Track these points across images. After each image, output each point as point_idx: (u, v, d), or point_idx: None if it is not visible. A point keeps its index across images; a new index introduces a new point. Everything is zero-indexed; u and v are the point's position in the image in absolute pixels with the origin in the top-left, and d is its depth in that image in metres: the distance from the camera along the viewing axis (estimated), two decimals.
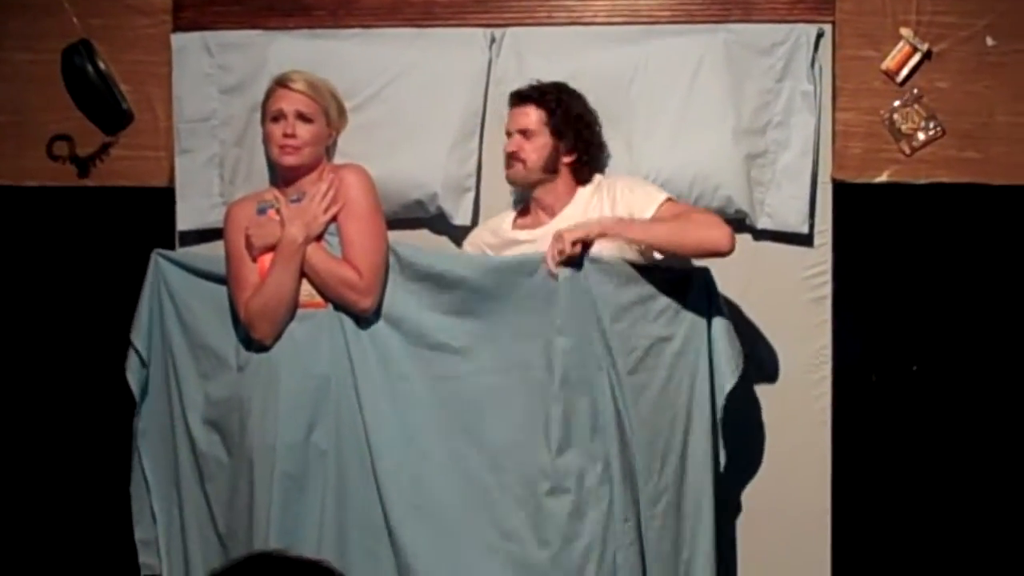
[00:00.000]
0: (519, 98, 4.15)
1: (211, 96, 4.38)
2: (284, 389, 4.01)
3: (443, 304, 4.04)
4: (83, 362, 4.56)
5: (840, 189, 4.27)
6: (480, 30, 4.33)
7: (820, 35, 4.25)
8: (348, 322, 4.05)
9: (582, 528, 3.89)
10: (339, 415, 4.03)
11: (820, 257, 4.27)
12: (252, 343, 4.06)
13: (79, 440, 4.61)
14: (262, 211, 4.11)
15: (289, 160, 4.09)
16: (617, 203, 4.04)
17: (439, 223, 4.34)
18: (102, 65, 4.40)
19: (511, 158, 4.12)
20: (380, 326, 4.06)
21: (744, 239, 4.20)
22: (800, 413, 4.28)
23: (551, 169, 4.12)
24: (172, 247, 4.38)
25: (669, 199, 4.02)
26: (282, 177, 4.17)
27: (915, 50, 4.21)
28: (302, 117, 4.09)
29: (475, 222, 4.33)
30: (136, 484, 4.30)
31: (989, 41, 4.21)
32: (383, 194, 4.14)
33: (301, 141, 4.08)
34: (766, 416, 4.27)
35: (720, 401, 3.99)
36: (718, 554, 4.03)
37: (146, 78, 4.42)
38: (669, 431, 3.96)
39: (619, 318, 3.92)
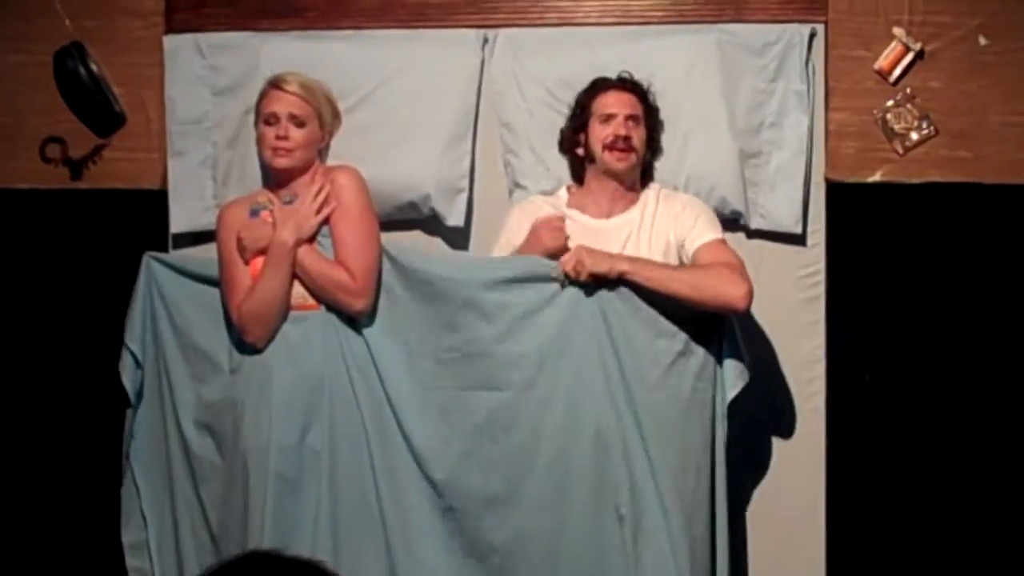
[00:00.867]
0: (620, 85, 4.11)
1: (204, 98, 4.38)
2: (277, 391, 4.01)
3: (438, 312, 4.04)
4: (76, 364, 4.56)
5: (833, 189, 4.27)
6: (472, 31, 4.33)
7: (813, 35, 4.25)
8: (341, 324, 4.06)
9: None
10: (333, 417, 4.03)
11: (813, 257, 4.28)
12: (245, 345, 4.06)
13: (71, 443, 4.60)
14: (255, 213, 4.11)
15: (281, 163, 4.09)
16: (674, 221, 4.03)
17: (432, 224, 4.34)
18: (94, 67, 4.40)
19: (624, 142, 4.05)
20: (375, 328, 4.07)
21: (738, 239, 4.20)
22: (794, 412, 4.29)
23: (640, 163, 4.12)
24: (165, 249, 4.38)
25: (719, 240, 4.00)
26: (274, 179, 4.16)
27: (908, 50, 4.21)
28: (295, 120, 4.09)
29: (468, 223, 4.33)
30: (127, 487, 4.30)
31: (982, 41, 4.21)
32: (376, 195, 4.13)
33: (294, 144, 4.08)
34: (760, 415, 4.26)
35: (721, 410, 4.00)
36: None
37: (138, 80, 4.42)
38: (701, 447, 3.96)
39: (635, 333, 3.92)
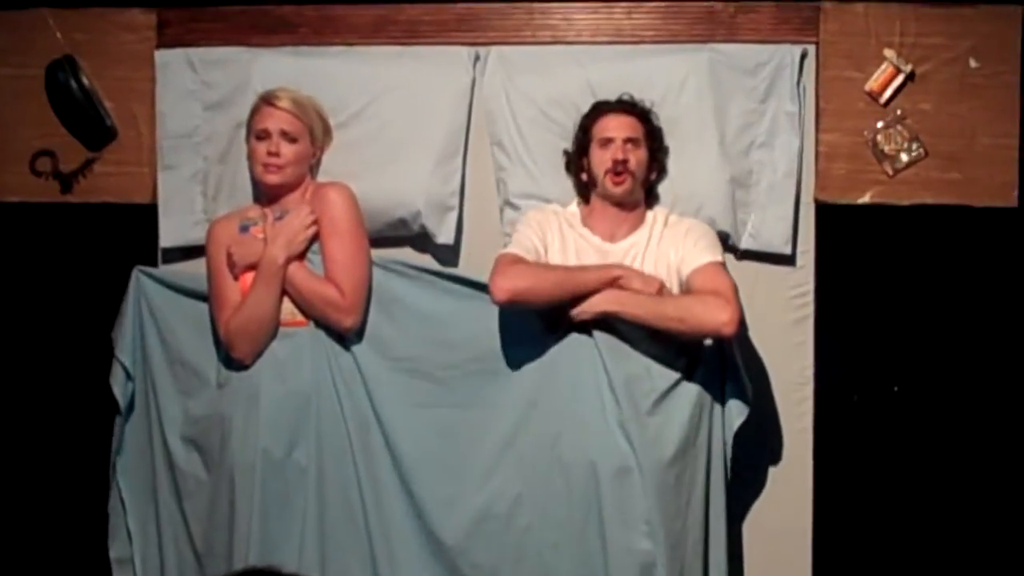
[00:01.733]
0: (620, 108, 4.11)
1: (194, 112, 4.38)
2: (265, 406, 4.01)
3: (429, 333, 4.08)
4: (65, 378, 4.55)
5: (823, 210, 4.27)
6: (464, 48, 4.33)
7: (804, 55, 4.26)
8: (330, 340, 4.06)
9: None
10: (320, 433, 4.05)
11: (803, 278, 4.28)
12: (233, 361, 4.06)
13: (61, 455, 4.59)
14: (244, 229, 4.11)
15: (272, 179, 4.09)
16: (676, 244, 4.03)
17: (422, 241, 4.34)
18: (86, 81, 4.40)
19: (621, 165, 4.05)
20: (364, 346, 4.07)
21: (727, 259, 4.19)
22: (782, 432, 4.29)
23: (643, 185, 4.12)
24: (155, 264, 4.38)
25: (713, 263, 3.99)
26: (265, 195, 4.17)
27: (898, 71, 4.22)
28: (286, 136, 4.09)
29: (458, 240, 4.32)
30: (113, 502, 4.30)
31: (972, 63, 4.22)
32: (366, 212, 4.14)
33: (285, 160, 4.08)
34: (748, 435, 4.26)
35: (729, 439, 4.05)
36: None
37: (130, 94, 4.41)
38: (693, 469, 3.97)
39: (629, 360, 3.94)
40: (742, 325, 4.05)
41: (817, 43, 4.26)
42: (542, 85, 4.30)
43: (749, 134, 4.26)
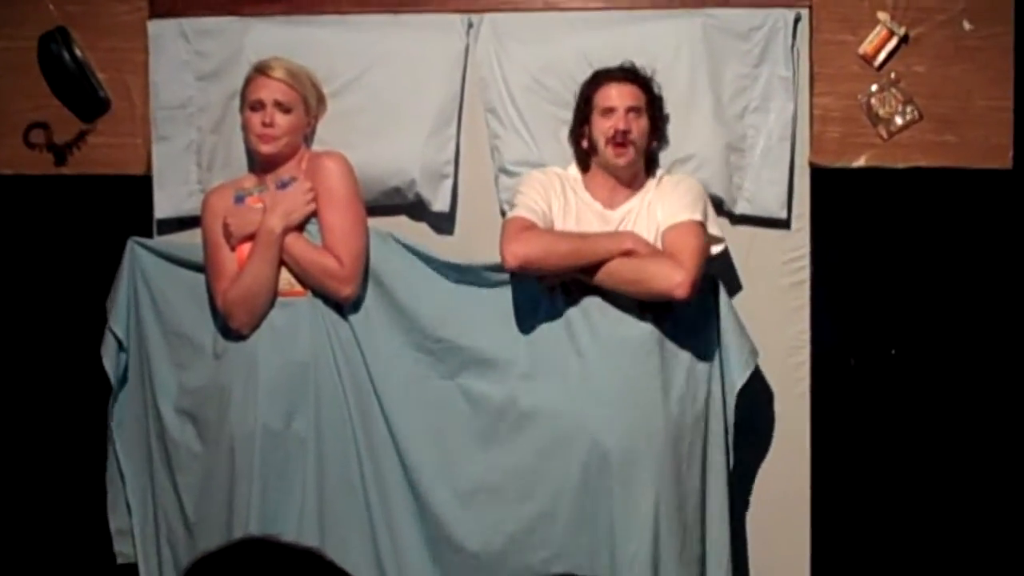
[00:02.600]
0: (622, 77, 4.08)
1: (188, 83, 4.36)
2: (263, 376, 4.02)
3: (425, 306, 4.10)
4: (61, 350, 4.55)
5: (818, 174, 4.27)
6: (458, 16, 4.32)
7: (798, 19, 4.25)
8: (328, 310, 4.06)
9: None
10: (319, 403, 4.05)
11: (798, 242, 4.28)
12: (230, 331, 4.07)
13: (56, 428, 4.60)
14: (240, 199, 4.10)
15: (267, 149, 4.09)
16: (663, 203, 4.02)
17: (417, 210, 4.33)
18: (79, 52, 4.38)
19: (623, 136, 4.02)
20: (361, 316, 4.08)
21: (722, 224, 4.20)
22: (779, 397, 4.29)
23: (644, 154, 4.11)
24: (150, 235, 4.37)
25: (689, 222, 3.97)
26: (260, 165, 4.17)
27: (892, 34, 4.21)
28: (280, 106, 4.09)
29: (453, 208, 4.32)
30: (111, 473, 4.30)
31: (966, 25, 4.21)
32: (361, 180, 4.14)
33: (280, 130, 4.08)
34: (745, 400, 4.26)
35: (731, 400, 4.06)
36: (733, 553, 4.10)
37: (123, 65, 4.40)
38: (693, 433, 3.98)
39: (623, 326, 3.95)
40: (733, 290, 4.08)
41: (810, 7, 4.25)
42: (536, 52, 4.28)
43: (743, 99, 4.26)
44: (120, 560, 4.33)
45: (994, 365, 4.37)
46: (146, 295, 4.24)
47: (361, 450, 4.07)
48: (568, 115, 4.16)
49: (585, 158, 4.13)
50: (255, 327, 4.05)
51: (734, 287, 4.27)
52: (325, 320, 4.07)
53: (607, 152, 4.04)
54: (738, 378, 4.06)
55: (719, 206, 4.23)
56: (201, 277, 4.18)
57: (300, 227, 4.05)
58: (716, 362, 4.08)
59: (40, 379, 4.59)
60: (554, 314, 4.00)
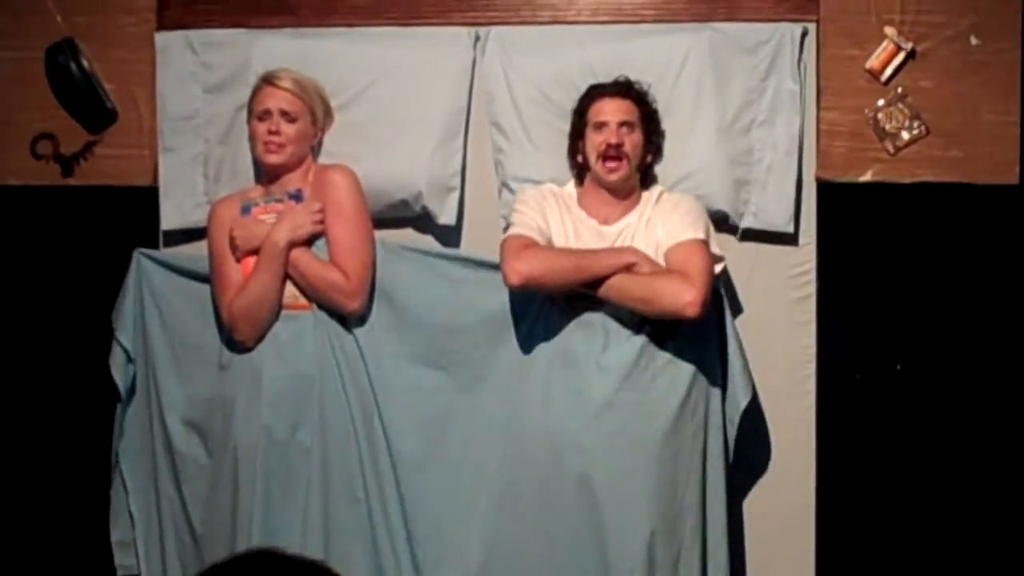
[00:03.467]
0: (615, 91, 4.07)
1: (195, 94, 4.37)
2: (267, 387, 4.02)
3: (430, 319, 4.11)
4: (67, 361, 4.54)
5: (824, 188, 4.27)
6: (464, 29, 4.32)
7: (805, 34, 4.25)
8: (333, 323, 4.06)
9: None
10: (323, 415, 4.05)
11: (805, 256, 4.27)
12: (235, 343, 4.07)
13: (62, 439, 4.59)
14: (246, 210, 4.11)
15: (273, 158, 4.09)
16: (662, 220, 4.02)
17: (424, 222, 4.33)
18: (86, 63, 4.39)
19: (615, 150, 4.02)
20: (365, 329, 4.08)
21: (728, 239, 4.20)
22: (785, 411, 4.28)
23: (638, 169, 4.10)
24: (156, 246, 4.37)
25: (693, 241, 3.95)
26: (266, 175, 4.17)
27: (899, 49, 4.21)
28: (287, 116, 4.09)
29: (460, 221, 4.32)
30: (115, 484, 4.30)
31: (973, 40, 4.21)
32: (368, 193, 4.15)
33: (285, 139, 4.08)
34: (751, 414, 4.26)
35: (735, 419, 4.06)
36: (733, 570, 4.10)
37: (130, 76, 4.41)
38: (691, 448, 3.97)
39: (627, 341, 3.95)
40: (725, 300, 4.07)
41: (818, 21, 4.25)
42: (542, 65, 4.28)
43: (750, 113, 4.25)
44: (121, 573, 4.32)
45: (1000, 380, 4.36)
46: (152, 307, 4.24)
47: (365, 462, 4.06)
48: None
49: (581, 173, 4.14)
50: (259, 339, 4.05)
51: (740, 302, 4.27)
52: (329, 333, 4.06)
53: (599, 168, 4.04)
54: (743, 397, 4.06)
55: (724, 220, 4.23)
56: (207, 288, 4.18)
57: (308, 242, 4.05)
58: (717, 377, 4.07)
59: (46, 390, 4.58)
60: (557, 328, 4.00)
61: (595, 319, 3.96)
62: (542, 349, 4.02)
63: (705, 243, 3.97)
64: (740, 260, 4.24)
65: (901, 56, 4.21)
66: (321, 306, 4.06)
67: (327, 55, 4.30)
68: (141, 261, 4.25)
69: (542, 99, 4.27)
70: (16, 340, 4.59)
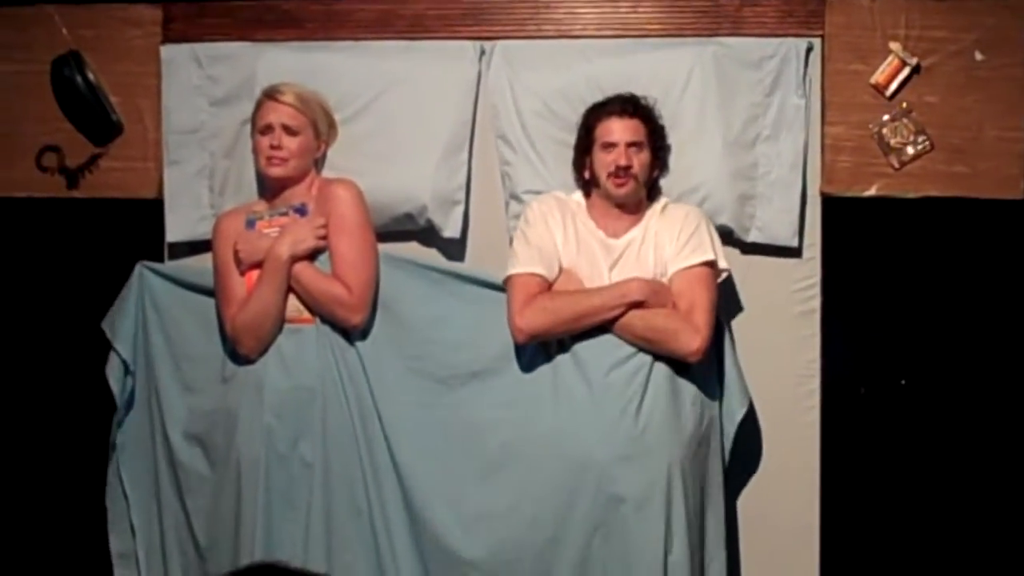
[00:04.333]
0: (623, 110, 4.07)
1: (200, 108, 4.38)
2: (269, 399, 4.02)
3: (433, 334, 4.11)
4: (70, 373, 4.55)
5: (829, 203, 4.27)
6: (470, 43, 4.33)
7: (810, 49, 4.25)
8: (336, 336, 4.06)
9: None
10: (326, 429, 4.05)
11: (809, 270, 4.27)
12: (239, 356, 4.06)
13: (64, 449, 4.60)
14: (251, 223, 4.11)
15: (275, 172, 4.10)
16: (667, 235, 4.03)
17: (428, 236, 4.33)
18: (91, 76, 4.40)
19: (623, 171, 4.02)
20: (368, 343, 4.08)
21: (733, 253, 4.20)
22: (789, 425, 4.28)
23: (646, 185, 4.10)
24: (161, 259, 4.38)
25: (699, 266, 3.98)
26: (270, 188, 4.18)
27: (904, 64, 4.22)
28: (288, 130, 4.10)
29: (464, 235, 4.33)
30: (113, 496, 4.30)
31: (978, 56, 4.21)
32: (372, 206, 4.14)
33: (288, 152, 4.09)
34: (755, 428, 4.26)
35: (731, 431, 4.07)
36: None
37: (135, 89, 4.42)
38: (694, 461, 3.97)
39: (630, 360, 3.96)
40: (730, 314, 4.09)
41: (823, 36, 4.25)
42: (547, 79, 4.29)
43: (755, 127, 4.25)
44: None
45: (1005, 394, 4.36)
46: (155, 319, 4.24)
47: (367, 475, 4.06)
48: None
49: (587, 187, 4.14)
50: (263, 352, 4.05)
51: (744, 315, 4.27)
52: (332, 346, 4.06)
53: (608, 184, 4.04)
54: (739, 408, 4.07)
55: (729, 235, 4.23)
56: (211, 301, 4.18)
57: (311, 257, 4.05)
58: (716, 391, 4.08)
59: (52, 401, 4.59)
60: (563, 343, 4.00)
61: (601, 334, 3.96)
62: (547, 364, 4.02)
63: (712, 265, 4.00)
64: (744, 274, 4.24)
65: (906, 71, 4.22)
66: (324, 320, 4.05)
67: (332, 68, 4.30)
68: (144, 273, 4.26)
69: (547, 112, 4.27)
70: (21, 351, 4.60)
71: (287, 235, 4.04)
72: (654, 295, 3.95)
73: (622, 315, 3.94)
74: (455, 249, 4.34)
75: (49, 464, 4.63)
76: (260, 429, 4.01)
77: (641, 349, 3.94)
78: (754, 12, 4.28)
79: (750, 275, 4.26)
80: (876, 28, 4.23)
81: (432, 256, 4.33)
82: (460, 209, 4.31)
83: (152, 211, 4.40)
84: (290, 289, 4.04)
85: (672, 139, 4.18)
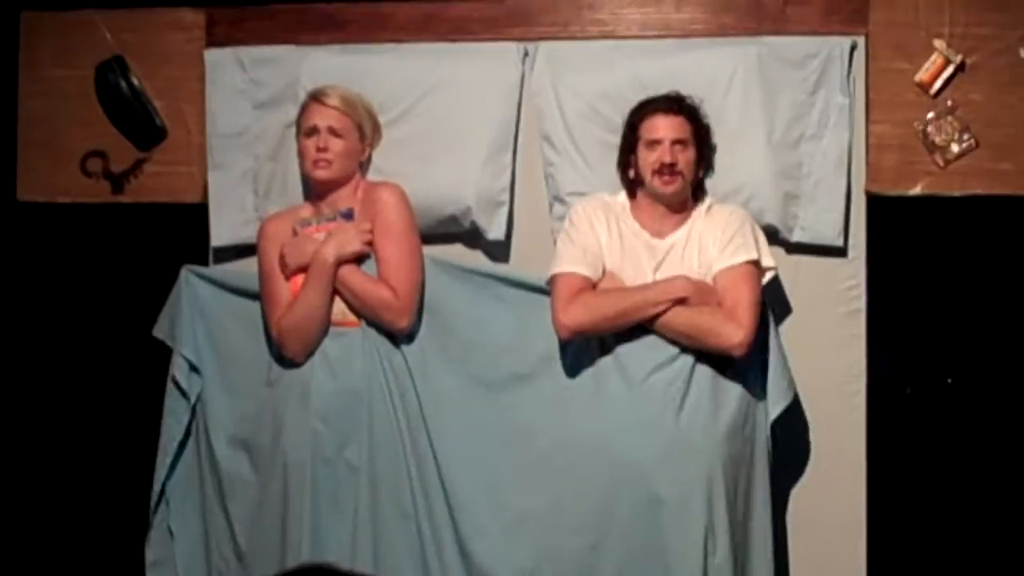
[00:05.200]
0: (668, 108, 4.05)
1: (244, 111, 4.39)
2: (315, 402, 4.03)
3: (478, 337, 4.11)
4: (116, 378, 4.56)
5: (874, 201, 4.26)
6: (513, 44, 4.33)
7: (854, 47, 4.25)
8: (382, 339, 4.06)
9: None
10: (372, 432, 4.05)
11: (854, 270, 4.26)
12: (284, 359, 4.07)
13: (106, 456, 4.59)
14: (301, 227, 4.11)
15: (321, 174, 4.10)
16: (712, 236, 4.02)
17: (473, 238, 4.34)
18: (135, 81, 4.42)
19: (669, 169, 4.01)
20: (414, 347, 4.08)
21: (778, 252, 4.19)
22: (835, 425, 4.26)
23: (691, 184, 4.09)
24: (206, 263, 4.39)
25: (744, 265, 3.97)
26: (315, 192, 4.18)
27: (948, 62, 4.20)
28: (334, 132, 4.10)
29: (509, 236, 4.33)
30: (157, 502, 4.28)
31: (1022, 53, 4.20)
32: (417, 209, 4.15)
33: (333, 155, 4.09)
34: (801, 429, 4.25)
35: (773, 424, 4.05)
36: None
37: (179, 94, 4.44)
38: (739, 462, 3.97)
39: (675, 362, 3.96)
40: (775, 314, 4.09)
41: (866, 35, 4.25)
42: (591, 80, 4.29)
43: (799, 127, 4.24)
44: None
45: None
46: (201, 323, 4.25)
47: (413, 479, 4.06)
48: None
49: (632, 187, 4.13)
50: (309, 355, 4.05)
51: (789, 315, 4.26)
52: (378, 350, 4.06)
53: (653, 182, 4.03)
54: (782, 401, 4.04)
55: (774, 235, 4.22)
56: (256, 305, 4.18)
57: (357, 261, 4.05)
58: (762, 390, 4.06)
59: (97, 407, 4.59)
60: (608, 346, 4.00)
61: (645, 336, 3.96)
62: (592, 367, 4.01)
63: (756, 264, 3.99)
64: (789, 274, 4.23)
65: (950, 69, 4.21)
66: (370, 323, 4.06)
67: (376, 71, 4.31)
68: (189, 278, 4.26)
69: (591, 113, 4.27)
70: (67, 357, 4.60)
71: (333, 238, 4.04)
72: (698, 293, 3.94)
73: (665, 312, 3.93)
74: (499, 251, 4.34)
75: (90, 470, 4.62)
76: (306, 433, 4.01)
77: (684, 348, 3.94)
78: (797, 11, 4.28)
79: (795, 275, 4.25)
80: (920, 26, 4.22)
81: (476, 258, 4.34)
82: (504, 211, 4.31)
83: (197, 215, 4.41)
84: (335, 292, 4.05)
85: (716, 139, 4.17)
